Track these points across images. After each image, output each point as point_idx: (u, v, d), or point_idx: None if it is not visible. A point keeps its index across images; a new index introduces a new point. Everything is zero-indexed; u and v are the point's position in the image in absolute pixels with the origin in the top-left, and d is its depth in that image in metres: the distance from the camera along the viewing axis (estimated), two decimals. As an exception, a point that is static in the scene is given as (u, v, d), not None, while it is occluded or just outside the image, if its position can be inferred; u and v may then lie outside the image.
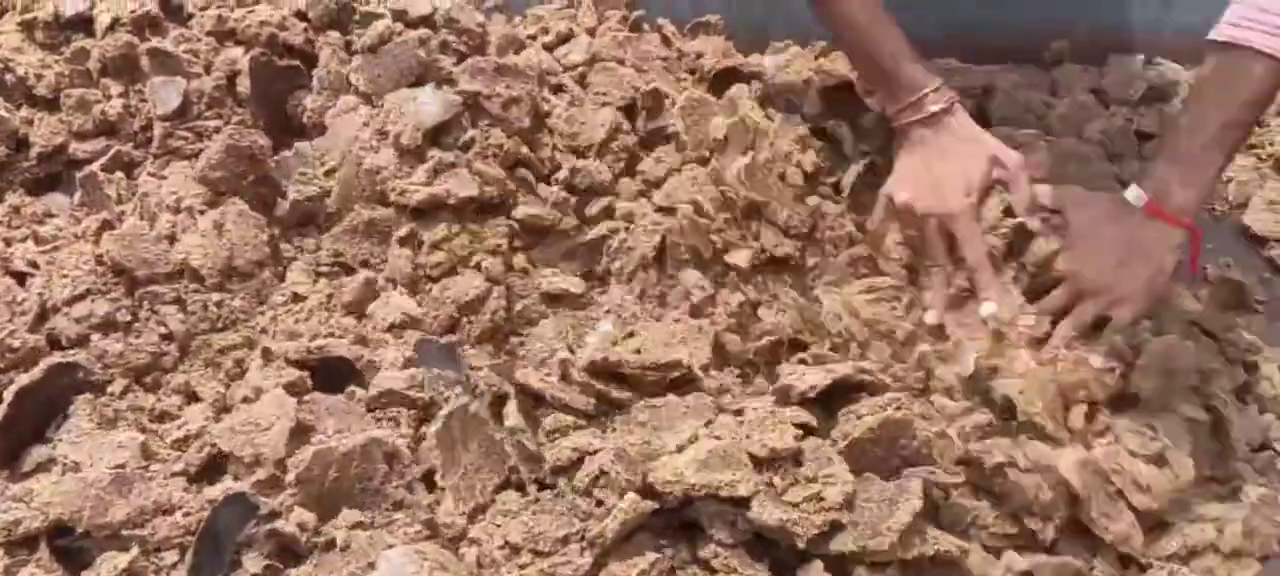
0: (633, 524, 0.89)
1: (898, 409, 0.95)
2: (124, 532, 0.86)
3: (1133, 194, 1.07)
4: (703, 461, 0.90)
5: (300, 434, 0.92)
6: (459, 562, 0.89)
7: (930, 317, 1.13)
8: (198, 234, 1.02)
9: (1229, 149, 1.05)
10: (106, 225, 1.03)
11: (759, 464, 0.92)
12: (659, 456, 0.92)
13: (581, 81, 1.26)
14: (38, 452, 0.91)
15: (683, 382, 0.99)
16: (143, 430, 0.94)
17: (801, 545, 0.90)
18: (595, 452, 0.92)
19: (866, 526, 0.91)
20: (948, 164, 1.12)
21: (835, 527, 0.90)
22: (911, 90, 1.13)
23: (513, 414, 0.94)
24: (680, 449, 0.92)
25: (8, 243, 1.02)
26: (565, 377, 0.98)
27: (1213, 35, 1.03)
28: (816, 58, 1.42)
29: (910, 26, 1.42)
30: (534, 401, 0.98)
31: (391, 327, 1.03)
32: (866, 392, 0.98)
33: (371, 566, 0.85)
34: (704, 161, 1.21)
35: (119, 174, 1.08)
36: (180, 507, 0.88)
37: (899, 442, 0.95)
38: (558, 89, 1.23)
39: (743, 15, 1.44)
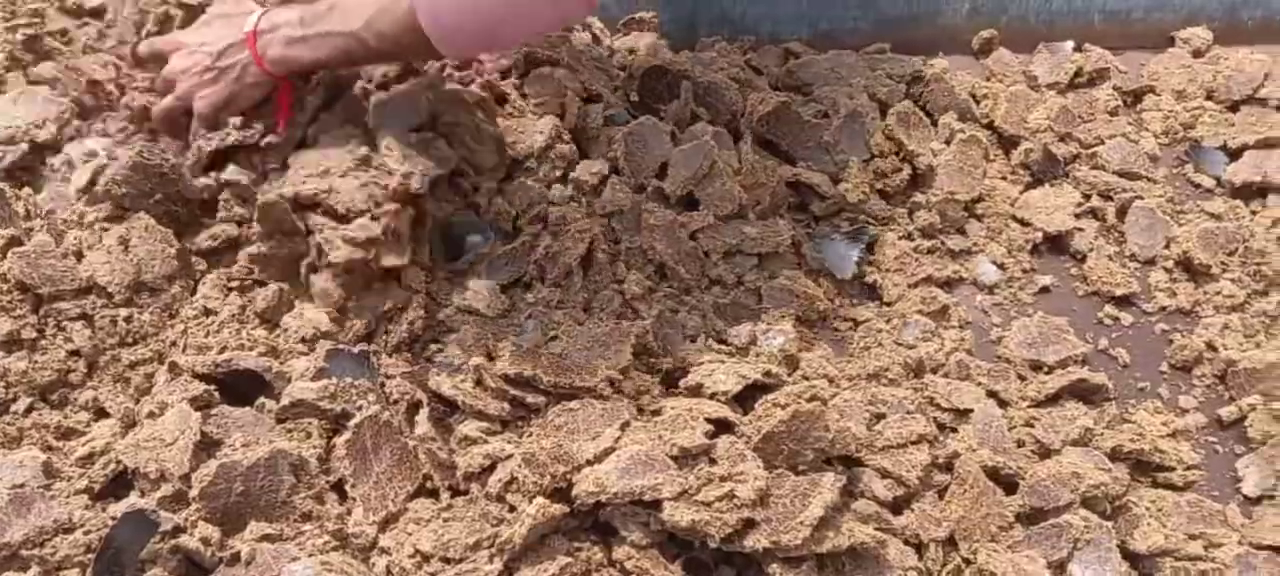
0: (543, 527, 0.88)
1: (809, 399, 0.95)
2: (23, 553, 0.84)
3: (252, 18, 1.05)
4: (624, 469, 0.90)
5: (207, 448, 0.91)
6: (368, 572, 0.88)
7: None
8: (104, 250, 1.01)
9: (345, 53, 1.03)
10: (13, 241, 1.01)
11: (676, 463, 0.91)
12: (574, 460, 0.91)
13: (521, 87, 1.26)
14: (-62, 475, 0.89)
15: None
16: (47, 448, 0.92)
17: (714, 544, 0.89)
18: (507, 458, 0.92)
19: (779, 521, 0.90)
20: None
21: (748, 525, 0.90)
22: None
23: (423, 421, 0.94)
24: (599, 458, 0.92)
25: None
26: (480, 384, 0.97)
27: None
28: (744, 53, 1.42)
29: (841, 18, 1.43)
30: (448, 408, 0.97)
31: (304, 339, 1.01)
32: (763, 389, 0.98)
33: (276, 579, 0.85)
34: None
35: (27, 190, 1.07)
36: (82, 526, 0.87)
37: (812, 435, 0.94)
38: (501, 99, 1.23)
39: (675, 12, 1.44)
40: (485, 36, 1.02)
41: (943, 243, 1.23)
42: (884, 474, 0.98)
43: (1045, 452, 1.03)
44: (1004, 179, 1.30)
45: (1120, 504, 1.00)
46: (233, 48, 1.04)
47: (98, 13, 1.26)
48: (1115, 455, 1.03)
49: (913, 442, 1.00)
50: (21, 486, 0.87)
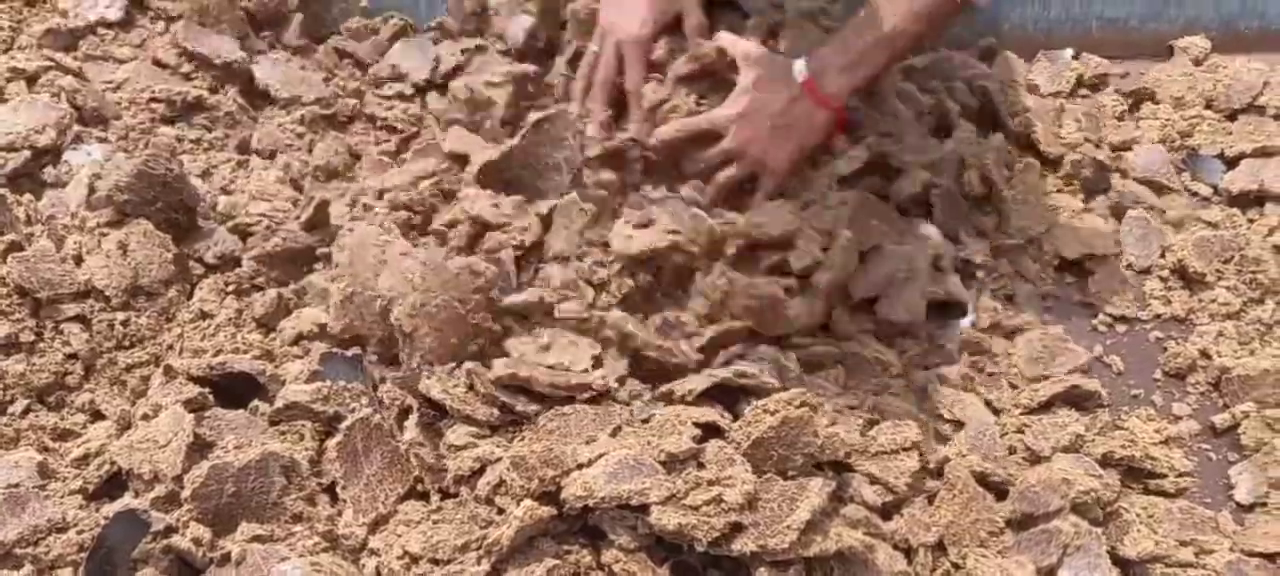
0: (530, 530, 0.89)
1: (798, 405, 0.95)
2: (17, 551, 0.86)
3: (797, 67, 1.10)
4: (612, 473, 0.90)
5: (200, 449, 0.92)
6: (358, 573, 0.89)
7: (592, 131, 1.15)
8: (102, 255, 1.02)
9: (892, 53, 1.12)
10: (14, 246, 1.03)
11: (665, 468, 0.92)
12: (563, 464, 0.92)
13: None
14: (-64, 474, 0.91)
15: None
16: (43, 449, 0.94)
17: (702, 547, 0.90)
18: (496, 461, 0.93)
19: (766, 525, 0.91)
20: None
21: (736, 529, 0.91)
22: None
23: (412, 426, 0.95)
24: (588, 462, 0.92)
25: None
26: (471, 389, 0.98)
27: None
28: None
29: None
30: (439, 413, 0.98)
31: (298, 340, 1.03)
32: (754, 396, 0.98)
33: (265, 579, 0.86)
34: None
35: (28, 196, 1.08)
36: (75, 525, 0.88)
37: (801, 440, 0.95)
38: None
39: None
40: None
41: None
42: (873, 480, 0.98)
43: (1036, 459, 1.03)
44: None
45: (1111, 510, 1.00)
46: (795, 101, 1.08)
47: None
48: (1106, 461, 1.03)
49: (903, 449, 1.00)
50: (16, 486, 0.88)
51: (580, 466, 0.92)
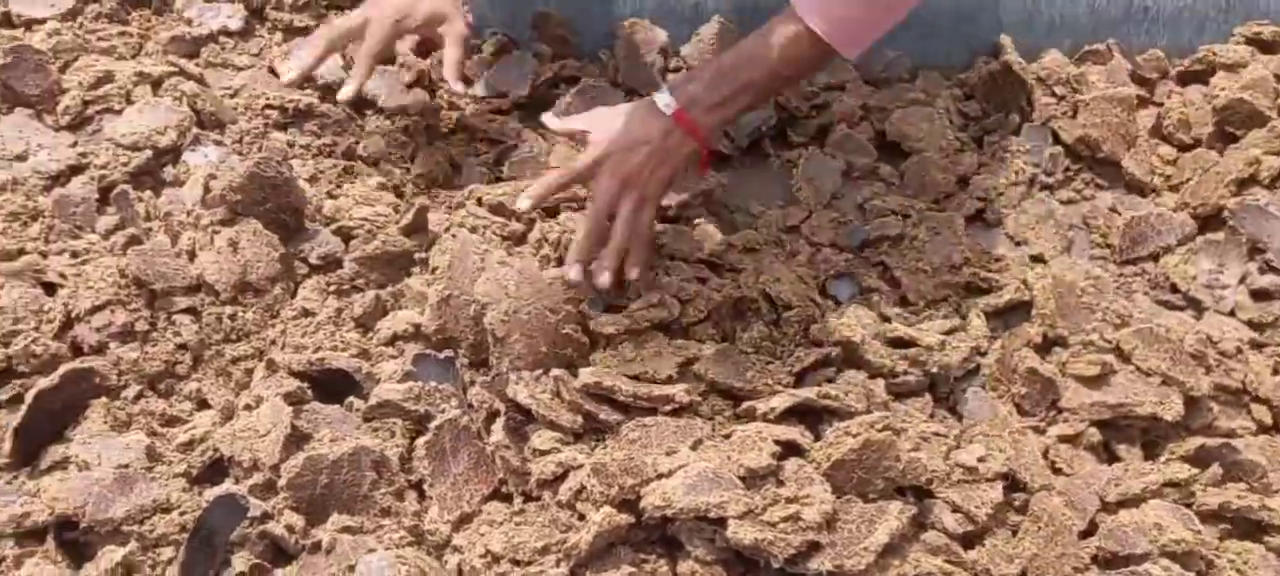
0: (609, 536, 0.91)
1: (881, 429, 0.95)
2: (124, 528, 0.90)
3: (662, 100, 1.08)
4: (691, 485, 0.91)
5: (297, 441, 0.96)
6: (440, 568, 0.91)
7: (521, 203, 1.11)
8: (214, 251, 1.07)
9: (758, 94, 1.11)
10: (133, 240, 1.08)
11: (743, 483, 0.93)
12: (643, 474, 0.93)
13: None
14: (54, 452, 0.96)
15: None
16: (151, 433, 0.98)
17: (778, 564, 0.90)
18: (578, 467, 0.94)
19: (844, 546, 0.91)
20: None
21: (813, 548, 0.91)
22: None
23: (499, 429, 0.97)
24: (669, 472, 0.94)
25: (44, 255, 1.08)
26: (557, 396, 1.00)
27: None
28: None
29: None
30: (525, 417, 1.00)
31: (393, 340, 1.06)
32: (837, 417, 0.99)
33: (352, 569, 0.89)
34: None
35: (149, 193, 1.14)
36: (178, 507, 0.92)
37: (882, 464, 0.95)
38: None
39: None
40: (881, 21, 1.07)
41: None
42: (955, 508, 0.97)
43: (1129, 501, 1.01)
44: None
45: (1204, 559, 0.97)
46: (669, 131, 1.09)
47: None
48: (1214, 513, 1.00)
49: (988, 479, 0.99)
50: (126, 467, 0.93)
51: (660, 476, 0.94)
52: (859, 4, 1.05)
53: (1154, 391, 1.05)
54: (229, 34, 1.35)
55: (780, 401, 0.99)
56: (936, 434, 1.02)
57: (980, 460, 0.99)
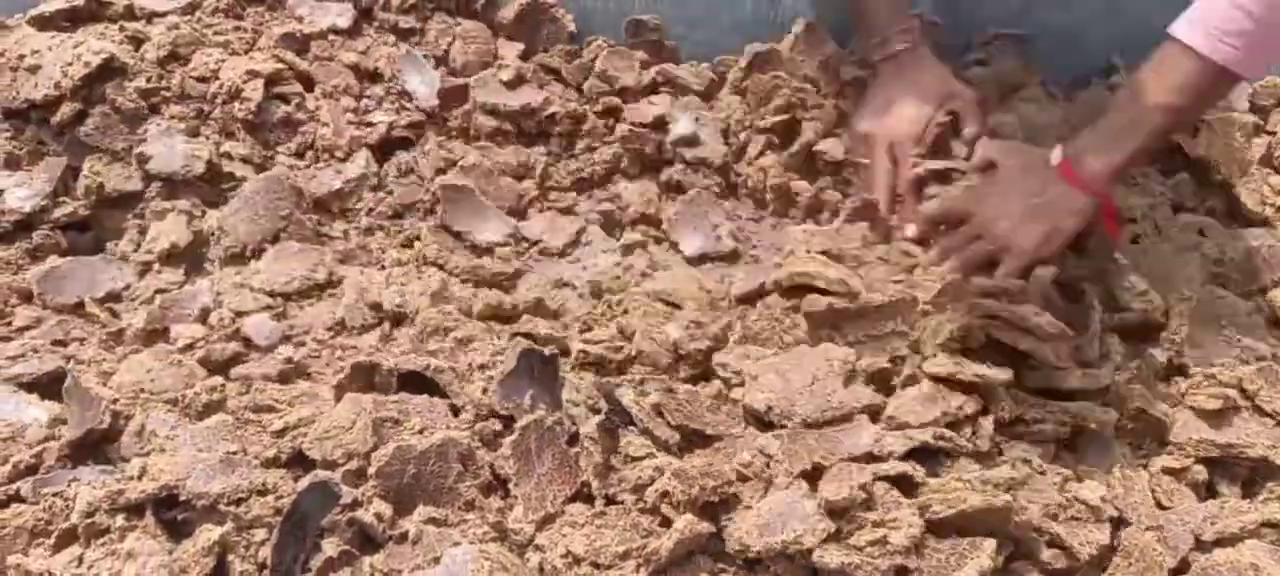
0: (689, 543, 0.91)
1: (1006, 489, 0.93)
2: (221, 507, 0.93)
3: (1054, 154, 1.10)
4: (765, 525, 0.91)
5: (387, 429, 0.98)
6: (522, 566, 0.92)
7: (909, 232, 1.19)
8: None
9: (1152, 133, 1.08)
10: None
11: (831, 513, 0.92)
12: (724, 476, 0.93)
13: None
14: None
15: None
16: (245, 422, 1.01)
17: (865, 588, 0.89)
18: (662, 473, 0.95)
19: (931, 574, 0.89)
20: (906, 94, 1.23)
21: (900, 572, 0.90)
22: (879, 30, 1.27)
23: (591, 423, 0.98)
24: (750, 504, 0.93)
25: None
26: (659, 411, 1.00)
27: (1169, 28, 1.05)
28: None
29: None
30: (624, 420, 1.00)
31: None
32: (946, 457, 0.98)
33: (437, 561, 0.90)
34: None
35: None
36: (274, 491, 0.95)
37: (990, 522, 0.93)
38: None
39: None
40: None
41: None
42: (1056, 542, 0.95)
43: (1226, 540, 0.97)
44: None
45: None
46: (1049, 184, 1.11)
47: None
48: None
49: (1097, 521, 0.97)
50: (231, 450, 0.96)
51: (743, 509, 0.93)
52: (1249, 17, 0.99)
53: (1268, 433, 1.01)
54: (338, 32, 1.39)
55: (897, 445, 0.97)
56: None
57: (1103, 499, 0.97)
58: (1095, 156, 1.08)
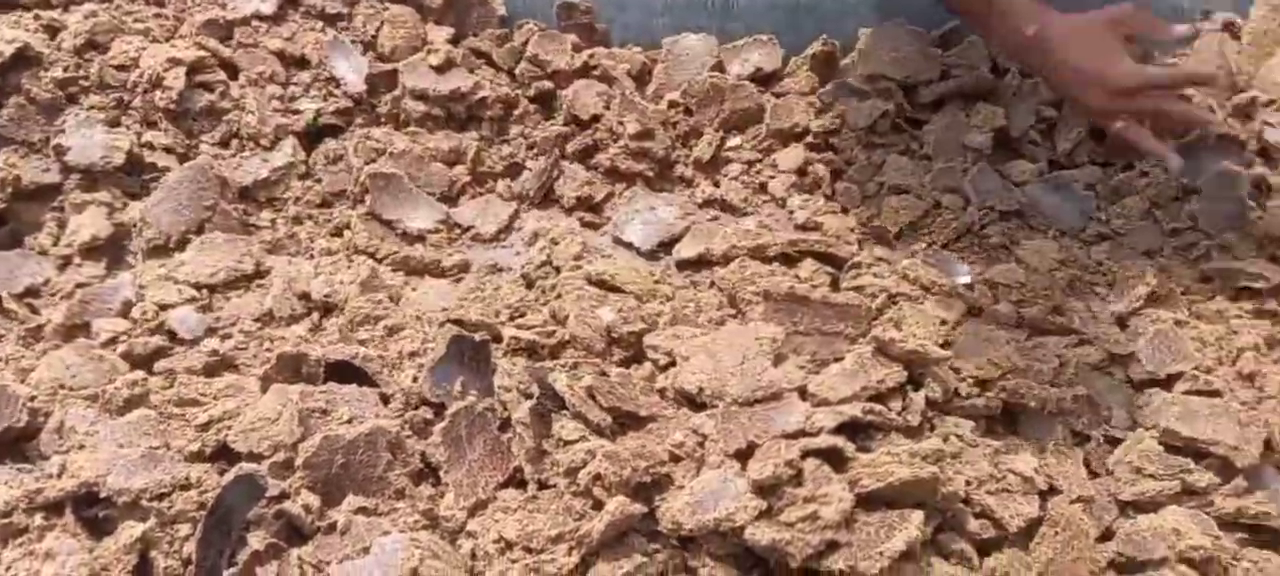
0: (621, 525, 0.90)
1: (929, 465, 0.94)
2: (144, 503, 0.91)
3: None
4: (698, 504, 0.91)
5: (315, 421, 0.97)
6: (453, 554, 0.92)
7: (1173, 164, 1.20)
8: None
9: None
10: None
11: (761, 490, 0.92)
12: (656, 456, 0.94)
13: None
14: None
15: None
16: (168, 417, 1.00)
17: (795, 564, 0.90)
18: (594, 456, 0.94)
19: (860, 548, 0.90)
20: (1090, 43, 1.19)
21: (831, 547, 0.90)
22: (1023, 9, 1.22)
23: (524, 410, 0.97)
24: (683, 484, 0.94)
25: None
26: (592, 395, 1.00)
27: None
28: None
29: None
30: (557, 405, 1.00)
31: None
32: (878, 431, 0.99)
33: (366, 551, 0.89)
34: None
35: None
36: (197, 485, 0.93)
37: (917, 494, 0.94)
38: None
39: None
40: None
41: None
42: (985, 513, 0.96)
43: (1149, 506, 1.00)
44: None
45: (1222, 566, 0.95)
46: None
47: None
48: (1232, 521, 0.99)
49: (1025, 494, 0.99)
50: (152, 444, 0.94)
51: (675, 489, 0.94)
52: None
53: (1234, 432, 1.03)
54: (262, 18, 1.36)
55: (827, 420, 0.98)
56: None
57: (1035, 470, 0.99)
58: None
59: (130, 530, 0.89)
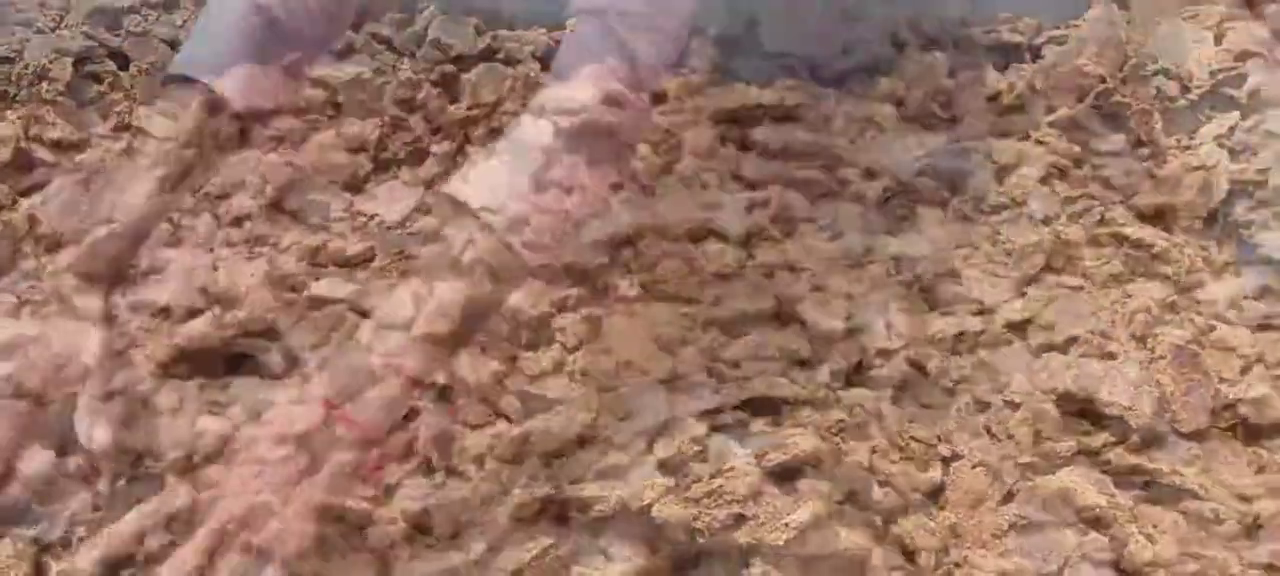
0: (529, 508, 0.91)
1: (835, 432, 0.96)
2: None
3: None
4: (605, 483, 0.92)
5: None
6: (363, 544, 0.91)
7: None
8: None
9: None
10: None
11: (668, 468, 0.93)
12: (561, 436, 0.94)
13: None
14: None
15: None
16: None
17: (702, 539, 0.91)
18: (503, 440, 0.94)
19: (767, 520, 0.91)
20: None
21: (737, 520, 0.91)
22: None
23: (430, 400, 0.96)
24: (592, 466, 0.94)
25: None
26: (501, 382, 1.00)
27: None
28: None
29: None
30: (463, 390, 0.99)
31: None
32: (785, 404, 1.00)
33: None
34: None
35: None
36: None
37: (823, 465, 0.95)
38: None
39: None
40: None
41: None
42: (887, 482, 0.98)
43: (1046, 468, 1.02)
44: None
45: (1118, 522, 0.98)
46: None
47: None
48: (1128, 479, 1.02)
49: (930, 461, 1.01)
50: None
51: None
52: None
53: (1128, 393, 1.05)
54: (153, 6, 1.32)
55: (729, 398, 0.99)
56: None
57: (938, 438, 1.01)
58: None
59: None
